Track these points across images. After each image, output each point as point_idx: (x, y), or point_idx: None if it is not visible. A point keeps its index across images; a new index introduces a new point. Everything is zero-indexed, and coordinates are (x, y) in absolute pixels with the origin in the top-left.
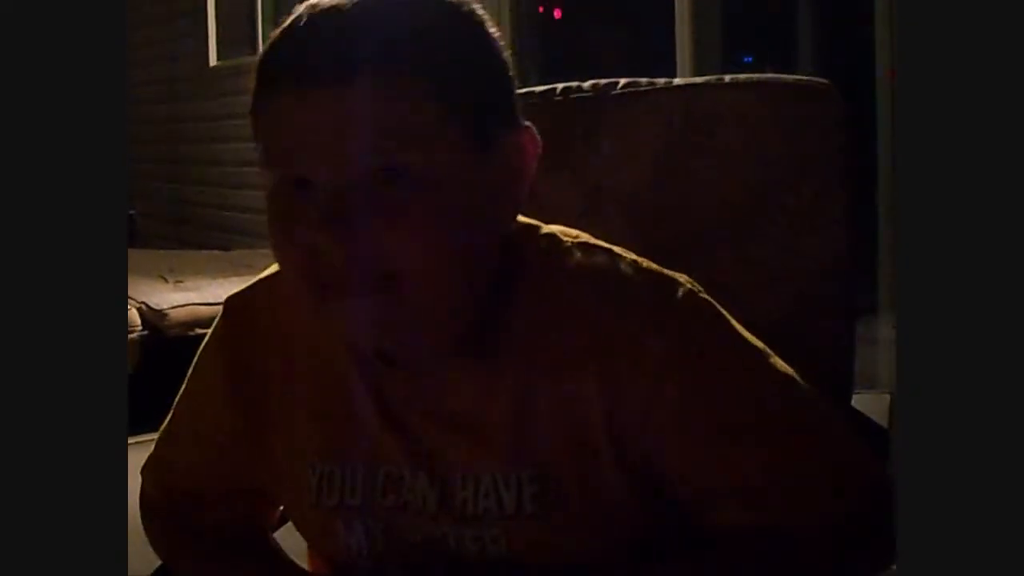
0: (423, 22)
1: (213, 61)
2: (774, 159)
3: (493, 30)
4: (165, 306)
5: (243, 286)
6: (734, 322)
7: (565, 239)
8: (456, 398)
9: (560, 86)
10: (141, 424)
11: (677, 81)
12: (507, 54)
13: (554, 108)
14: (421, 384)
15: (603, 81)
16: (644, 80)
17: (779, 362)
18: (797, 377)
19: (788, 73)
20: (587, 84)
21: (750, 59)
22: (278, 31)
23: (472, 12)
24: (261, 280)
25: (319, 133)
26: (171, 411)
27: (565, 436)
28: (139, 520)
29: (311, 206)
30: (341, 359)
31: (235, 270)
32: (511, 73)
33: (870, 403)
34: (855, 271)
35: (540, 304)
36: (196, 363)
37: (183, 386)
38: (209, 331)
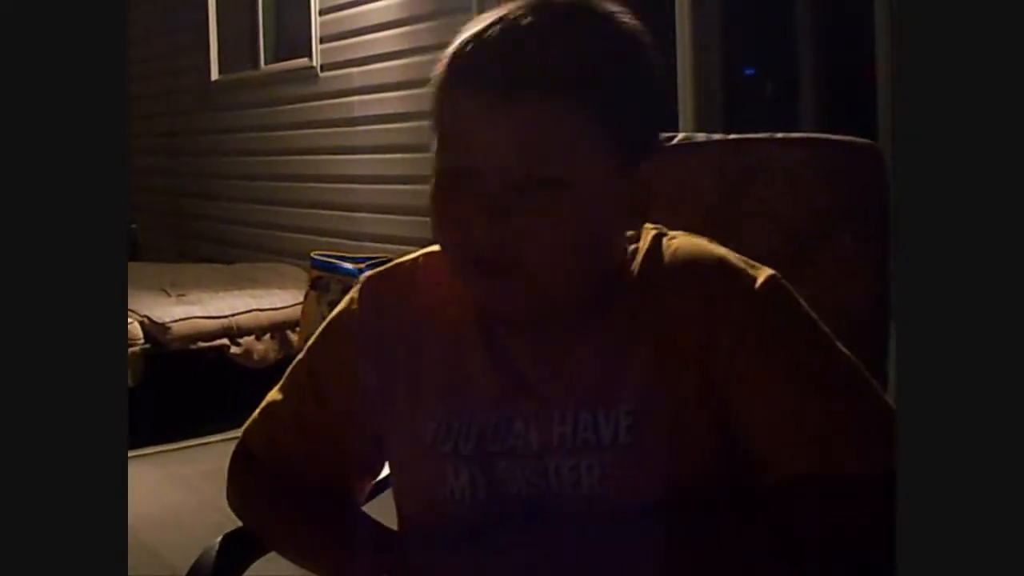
0: (600, 47)
1: (215, 75)
2: (819, 211)
3: (657, 60)
4: (167, 319)
5: (376, 270)
6: (806, 306)
7: (669, 231)
8: (567, 347)
9: None
10: (144, 436)
11: (731, 136)
12: (663, 81)
13: None
14: (541, 350)
15: (663, 135)
16: (701, 135)
17: (843, 347)
18: (856, 360)
19: (788, 85)
20: None
21: (752, 71)
22: (476, 31)
23: (645, 43)
24: (396, 264)
25: (495, 135)
26: (285, 376)
27: (661, 379)
28: (139, 531)
29: (476, 194)
30: (465, 324)
31: (237, 283)
32: (663, 102)
33: None
34: (889, 315)
35: (649, 271)
36: (324, 332)
37: (305, 354)
38: (342, 302)
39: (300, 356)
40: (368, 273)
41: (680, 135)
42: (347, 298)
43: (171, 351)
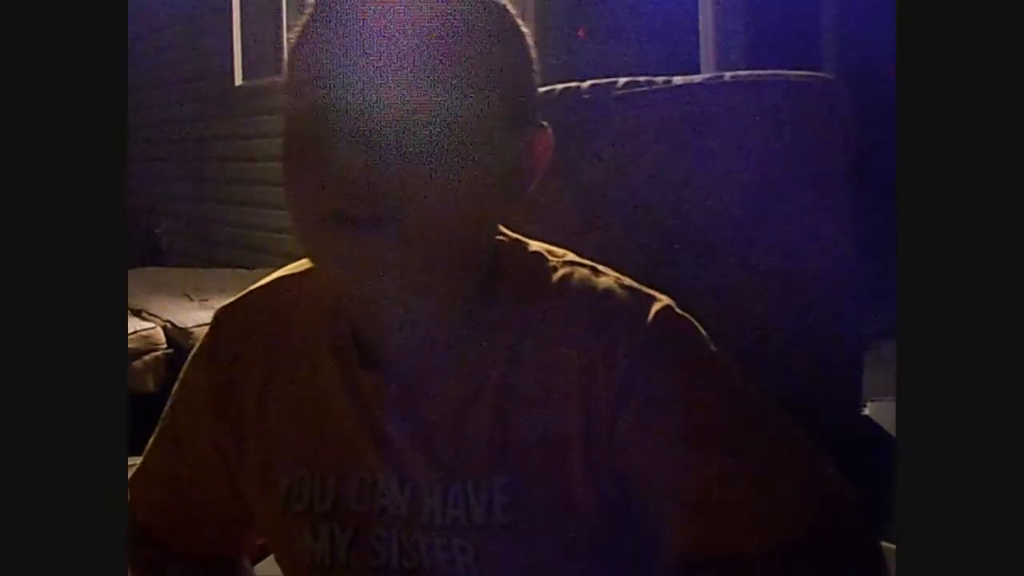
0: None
1: (239, 81)
2: (774, 161)
3: (525, 29)
4: (190, 324)
5: (230, 300)
6: (708, 341)
7: (551, 258)
8: (432, 404)
9: (559, 87)
10: None
11: (676, 80)
12: (534, 52)
13: (553, 108)
14: (399, 390)
15: (603, 81)
16: (643, 79)
17: (751, 383)
18: (768, 399)
19: None
20: (586, 84)
21: None
22: None
23: (508, 9)
24: (250, 291)
25: (365, 58)
26: (157, 427)
27: (540, 444)
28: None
29: (346, 128)
30: (323, 364)
31: None
32: (536, 71)
33: (884, 410)
34: (865, 277)
35: (522, 315)
36: (183, 375)
37: (169, 400)
38: (202, 337)
39: (167, 406)
40: (221, 306)
41: (622, 80)
42: (206, 332)
43: None
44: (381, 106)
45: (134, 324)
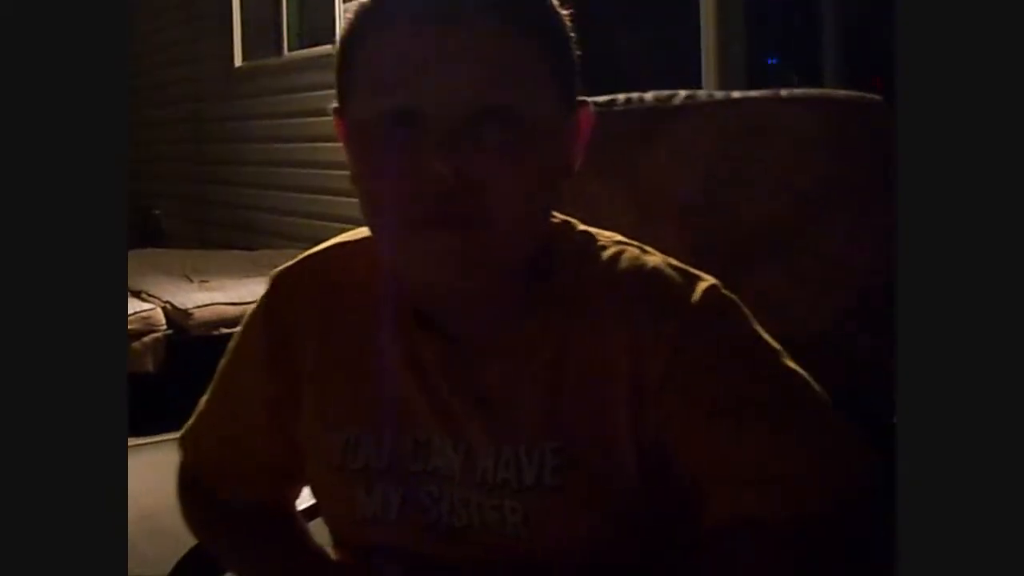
0: None
1: (238, 62)
2: (824, 173)
3: (564, 12)
4: (190, 305)
5: (287, 264)
6: (752, 320)
7: (600, 237)
8: (488, 371)
9: (621, 97)
10: (166, 422)
11: (735, 94)
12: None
13: (614, 118)
14: (456, 354)
15: (664, 93)
16: (703, 92)
17: (790, 361)
18: (806, 376)
19: (812, 75)
20: (648, 95)
21: (775, 60)
22: None
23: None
24: (307, 255)
25: (437, 66)
26: (211, 383)
27: (590, 413)
28: (160, 517)
29: (428, 134)
30: (381, 327)
31: (259, 270)
32: (576, 51)
33: None
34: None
35: (574, 290)
36: (239, 335)
37: (224, 359)
38: (258, 300)
39: (222, 363)
40: (279, 268)
41: (682, 93)
42: (259, 298)
43: (193, 337)
44: (462, 111)
45: (133, 305)
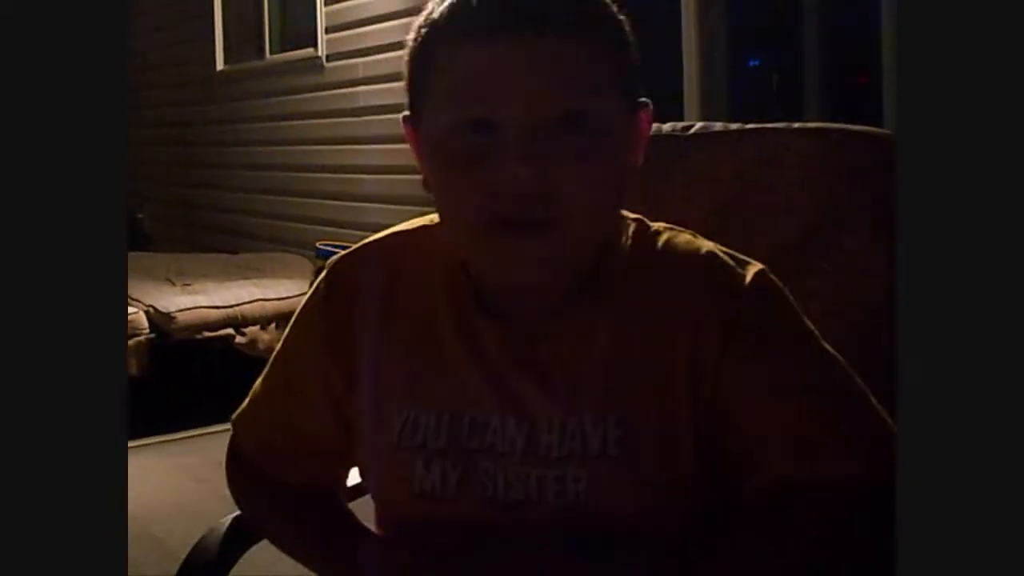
0: None
1: (220, 65)
2: (835, 202)
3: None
4: (172, 309)
5: (344, 251)
6: (794, 302)
7: (652, 224)
8: (550, 348)
9: None
10: (149, 426)
11: (749, 126)
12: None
13: None
14: (517, 336)
15: (679, 124)
16: (718, 124)
17: (828, 346)
18: (841, 359)
19: (794, 75)
20: (666, 126)
21: (757, 62)
22: None
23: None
24: (364, 244)
25: (515, 76)
26: (266, 366)
27: (651, 385)
28: (146, 521)
29: (506, 143)
30: (440, 312)
31: (242, 273)
32: (636, 53)
33: None
34: None
35: (633, 270)
36: (295, 320)
37: (280, 343)
38: (310, 290)
39: (278, 348)
40: (337, 255)
41: (698, 124)
42: (317, 282)
43: (176, 341)
44: (540, 119)
45: None
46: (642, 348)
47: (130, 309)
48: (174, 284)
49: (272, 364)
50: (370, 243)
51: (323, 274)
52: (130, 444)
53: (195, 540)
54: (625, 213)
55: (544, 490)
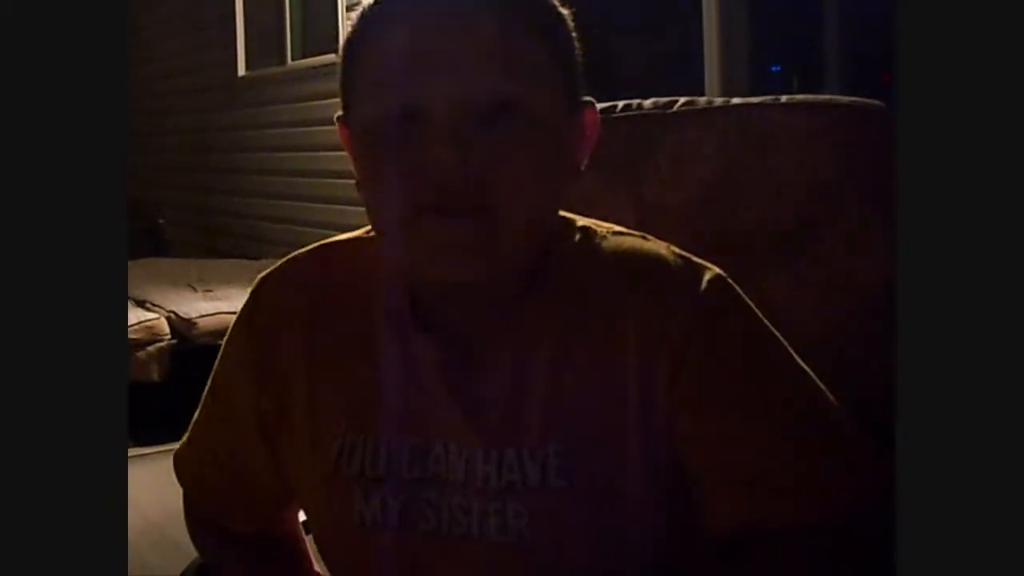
0: None
1: (242, 71)
2: (825, 180)
3: (565, 12)
4: (193, 315)
5: (271, 268)
6: (757, 312)
7: (600, 229)
8: (489, 372)
9: (620, 103)
10: (170, 431)
11: (735, 101)
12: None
13: (614, 124)
14: (456, 355)
15: (662, 100)
16: (702, 99)
17: (794, 355)
18: (809, 371)
19: (815, 82)
20: (648, 102)
21: (778, 67)
22: None
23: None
24: (289, 259)
25: (441, 63)
26: (201, 402)
27: (595, 410)
28: (166, 527)
29: (432, 129)
30: (375, 329)
31: None
32: (579, 51)
33: None
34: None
35: (575, 284)
36: (223, 348)
37: (212, 373)
38: (242, 307)
39: (210, 378)
40: (264, 272)
41: (681, 100)
42: (245, 302)
43: (197, 346)
44: (467, 106)
45: (138, 315)
46: (585, 368)
47: (151, 315)
48: (195, 290)
49: (205, 398)
50: (295, 257)
51: (248, 294)
52: (150, 450)
53: None
54: (573, 217)
55: (485, 524)
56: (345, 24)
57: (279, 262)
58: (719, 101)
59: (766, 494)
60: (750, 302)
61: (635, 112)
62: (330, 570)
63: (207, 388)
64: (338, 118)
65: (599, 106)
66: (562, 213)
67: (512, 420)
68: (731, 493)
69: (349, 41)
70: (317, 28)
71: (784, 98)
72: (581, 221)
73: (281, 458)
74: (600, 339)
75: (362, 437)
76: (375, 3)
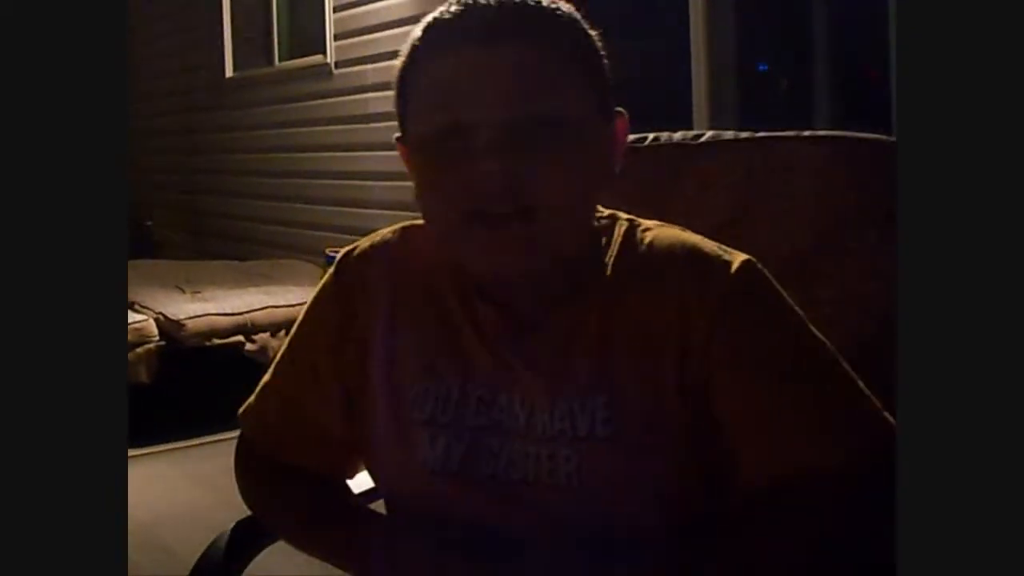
0: (563, 9)
1: (229, 72)
2: (842, 207)
3: (593, 31)
4: (182, 316)
5: (351, 246)
6: (782, 290)
7: (643, 222)
8: (545, 335)
9: (650, 135)
10: (160, 433)
11: (760, 134)
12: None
13: (644, 154)
14: (513, 321)
15: (691, 132)
16: (728, 132)
17: (815, 330)
18: (827, 343)
19: (804, 81)
20: (677, 135)
21: (765, 67)
22: (440, 10)
23: (579, 17)
24: (370, 238)
25: (483, 81)
26: (274, 360)
27: (639, 370)
28: (156, 529)
29: (477, 143)
30: (445, 296)
31: (251, 280)
32: (607, 64)
33: None
34: None
35: (624, 262)
36: (306, 313)
37: (289, 338)
38: (320, 283)
39: (287, 341)
40: (344, 249)
41: (708, 133)
42: (324, 277)
43: (186, 348)
44: (506, 120)
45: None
46: (630, 336)
47: (140, 316)
48: (184, 291)
49: (282, 357)
50: (375, 236)
51: (332, 267)
52: (140, 451)
53: (205, 547)
54: (618, 214)
55: (539, 468)
56: (332, 24)
57: (361, 240)
58: (744, 135)
59: (795, 440)
60: (774, 282)
61: (665, 143)
62: (395, 515)
63: (285, 348)
64: (397, 138)
65: (631, 136)
66: (610, 211)
67: (564, 375)
68: (763, 441)
69: (402, 70)
70: (304, 29)
71: (807, 132)
72: (625, 216)
73: (357, 407)
74: (645, 310)
75: (434, 385)
76: (424, 34)
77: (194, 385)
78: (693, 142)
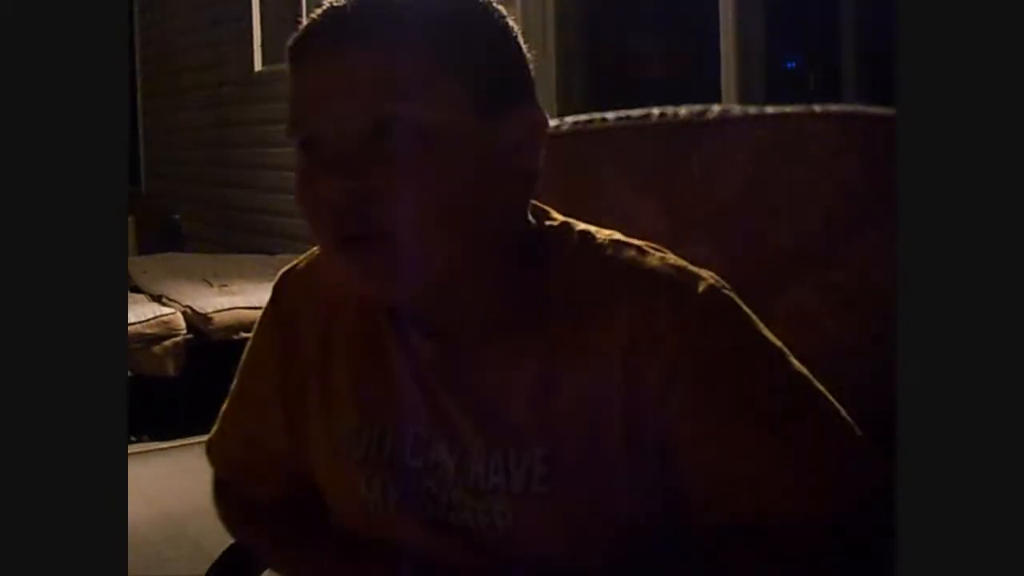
0: (436, 2)
1: (258, 66)
2: (856, 189)
3: (503, 16)
4: (210, 310)
5: (293, 263)
6: (754, 319)
7: (598, 236)
8: (480, 373)
9: (656, 111)
10: (186, 426)
11: (768, 109)
12: (519, 41)
13: (649, 131)
14: (449, 354)
15: (697, 107)
16: (737, 108)
17: (794, 361)
18: (811, 377)
19: (832, 78)
20: (682, 110)
21: (793, 64)
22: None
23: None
24: (307, 256)
25: (320, 92)
26: (231, 391)
27: (581, 419)
28: (183, 522)
29: (317, 160)
30: (378, 320)
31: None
32: (523, 57)
33: None
34: None
35: (569, 293)
36: (252, 339)
37: (240, 365)
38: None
39: (239, 367)
40: (286, 267)
41: (715, 108)
42: (267, 301)
43: (214, 341)
44: (352, 132)
45: (154, 309)
46: (574, 376)
47: (167, 310)
48: (211, 285)
49: (235, 385)
50: (313, 253)
51: (273, 287)
52: (166, 444)
53: (230, 540)
54: (573, 222)
55: (478, 520)
56: None
57: (300, 257)
58: (752, 110)
59: (761, 492)
60: (741, 306)
61: (670, 119)
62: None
63: (237, 377)
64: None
65: (634, 113)
66: (563, 218)
67: (499, 420)
68: (726, 492)
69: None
70: None
71: (816, 107)
72: (581, 226)
73: (300, 435)
74: (590, 347)
75: (368, 424)
76: (290, 45)
77: (221, 379)
78: (699, 119)
